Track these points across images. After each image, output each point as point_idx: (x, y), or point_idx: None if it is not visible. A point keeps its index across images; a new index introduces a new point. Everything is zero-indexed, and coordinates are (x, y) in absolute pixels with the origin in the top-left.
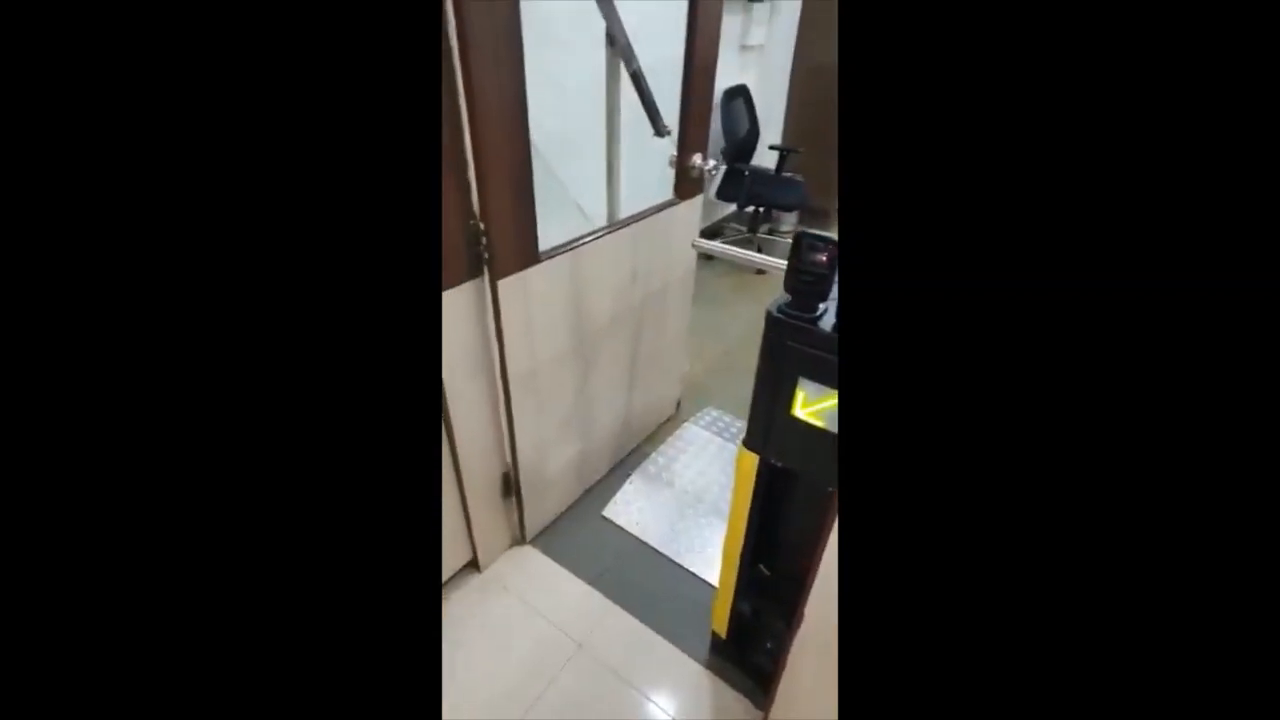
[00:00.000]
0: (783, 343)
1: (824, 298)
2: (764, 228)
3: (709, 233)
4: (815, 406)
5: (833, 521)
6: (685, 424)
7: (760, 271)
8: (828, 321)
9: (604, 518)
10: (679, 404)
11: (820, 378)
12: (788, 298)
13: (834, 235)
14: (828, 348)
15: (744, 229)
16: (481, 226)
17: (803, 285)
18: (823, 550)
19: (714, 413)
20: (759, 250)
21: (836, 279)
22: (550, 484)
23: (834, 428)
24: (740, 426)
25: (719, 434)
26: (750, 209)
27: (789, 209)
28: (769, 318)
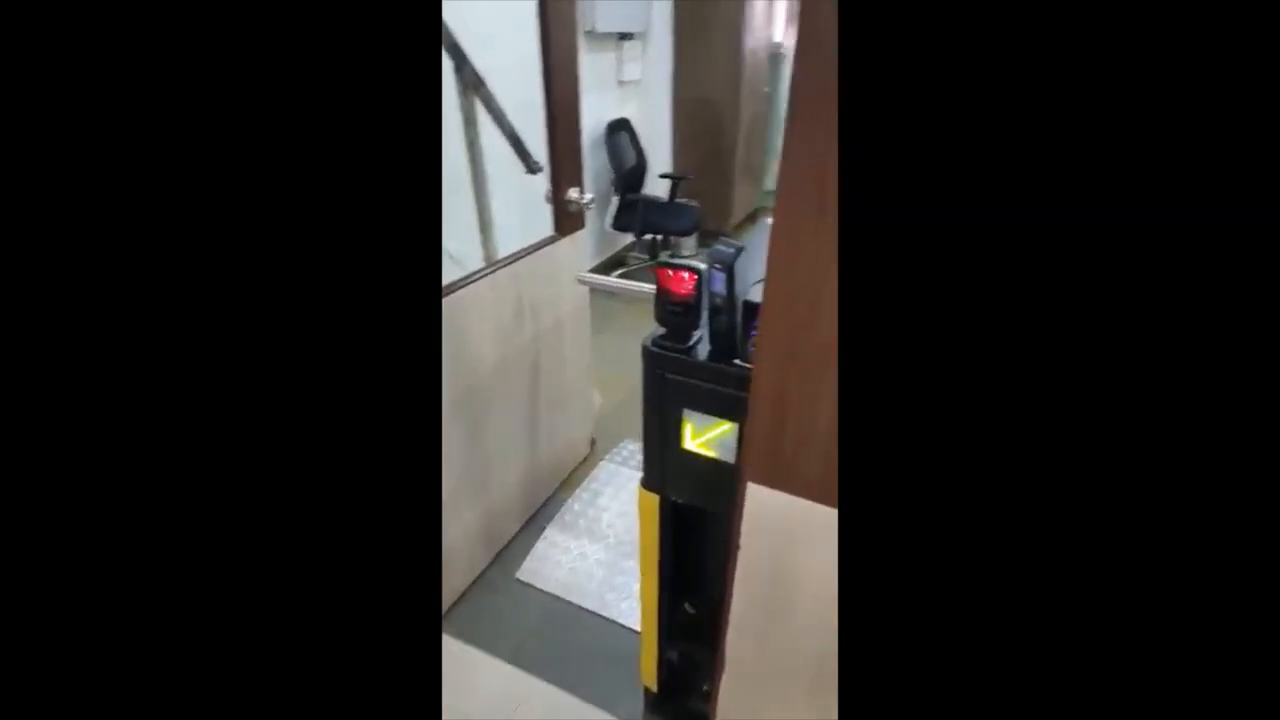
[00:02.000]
0: (661, 376)
1: (696, 325)
2: (665, 254)
3: (612, 263)
4: (705, 436)
5: (736, 555)
6: (601, 462)
7: None
8: (703, 350)
9: (519, 581)
10: (593, 442)
11: (704, 407)
12: (661, 330)
13: (695, 262)
14: (707, 377)
15: (646, 257)
16: None
17: (672, 316)
18: (731, 586)
19: (630, 446)
20: None
21: (706, 305)
22: (451, 553)
23: (728, 456)
24: None
25: (637, 468)
26: (648, 236)
27: (685, 233)
28: (644, 351)
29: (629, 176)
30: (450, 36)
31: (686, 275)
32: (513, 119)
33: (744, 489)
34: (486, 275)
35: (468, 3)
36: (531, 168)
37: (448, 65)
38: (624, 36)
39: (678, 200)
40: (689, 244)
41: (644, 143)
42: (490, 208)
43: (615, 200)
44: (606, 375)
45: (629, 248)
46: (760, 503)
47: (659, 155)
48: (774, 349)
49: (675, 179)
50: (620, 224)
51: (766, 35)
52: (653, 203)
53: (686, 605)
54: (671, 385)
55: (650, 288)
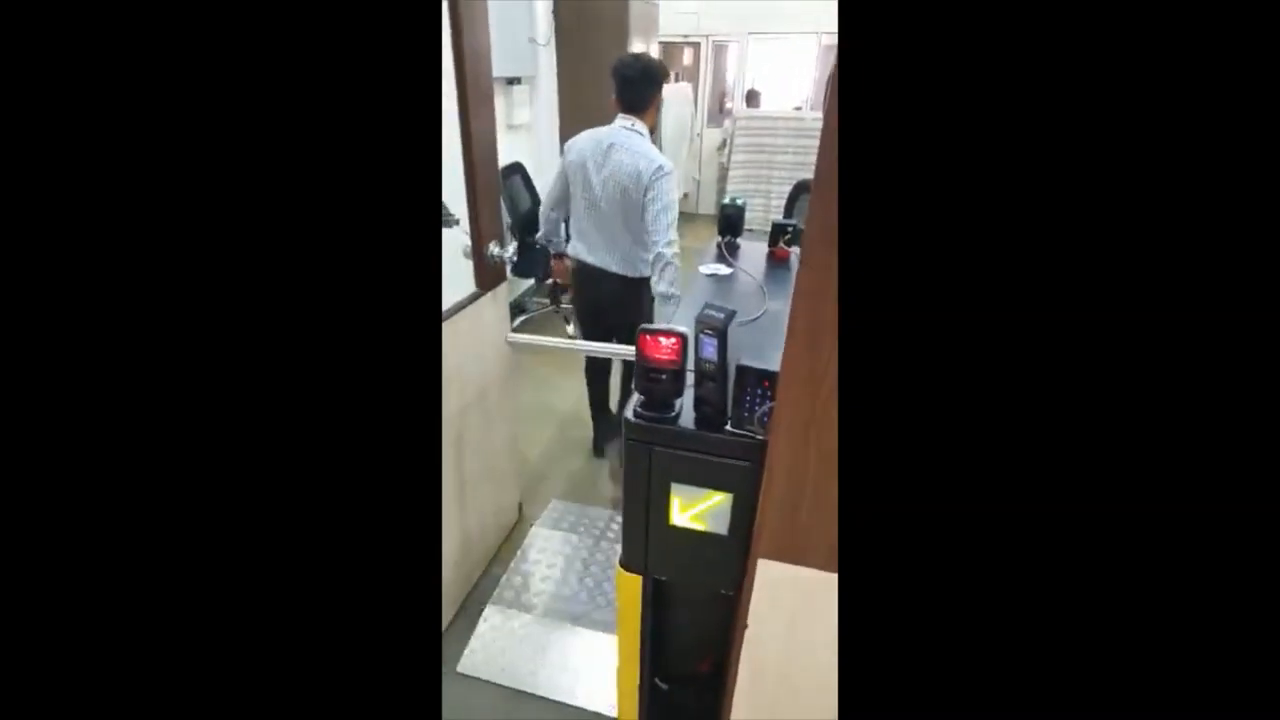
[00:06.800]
0: (646, 448)
1: (679, 393)
2: (565, 297)
3: (513, 309)
4: (695, 509)
5: (742, 632)
6: (532, 529)
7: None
8: (687, 418)
9: (461, 675)
10: (520, 507)
11: (695, 479)
12: (640, 398)
13: (679, 327)
14: (698, 447)
15: (547, 302)
16: None
17: (654, 384)
18: (736, 664)
19: (559, 506)
20: (566, 321)
21: (691, 370)
22: None
23: (720, 528)
24: (583, 512)
25: (569, 529)
26: (550, 281)
27: None
28: (627, 423)
29: (525, 220)
30: None
31: (669, 340)
32: None
33: (754, 566)
34: None
35: None
36: (448, 221)
37: None
38: (512, 81)
39: None
40: None
41: (538, 185)
42: None
43: (514, 245)
44: (523, 429)
45: (529, 293)
46: (773, 578)
47: None
48: (792, 422)
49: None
50: (520, 269)
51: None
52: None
53: (658, 680)
54: (659, 458)
55: (580, 344)
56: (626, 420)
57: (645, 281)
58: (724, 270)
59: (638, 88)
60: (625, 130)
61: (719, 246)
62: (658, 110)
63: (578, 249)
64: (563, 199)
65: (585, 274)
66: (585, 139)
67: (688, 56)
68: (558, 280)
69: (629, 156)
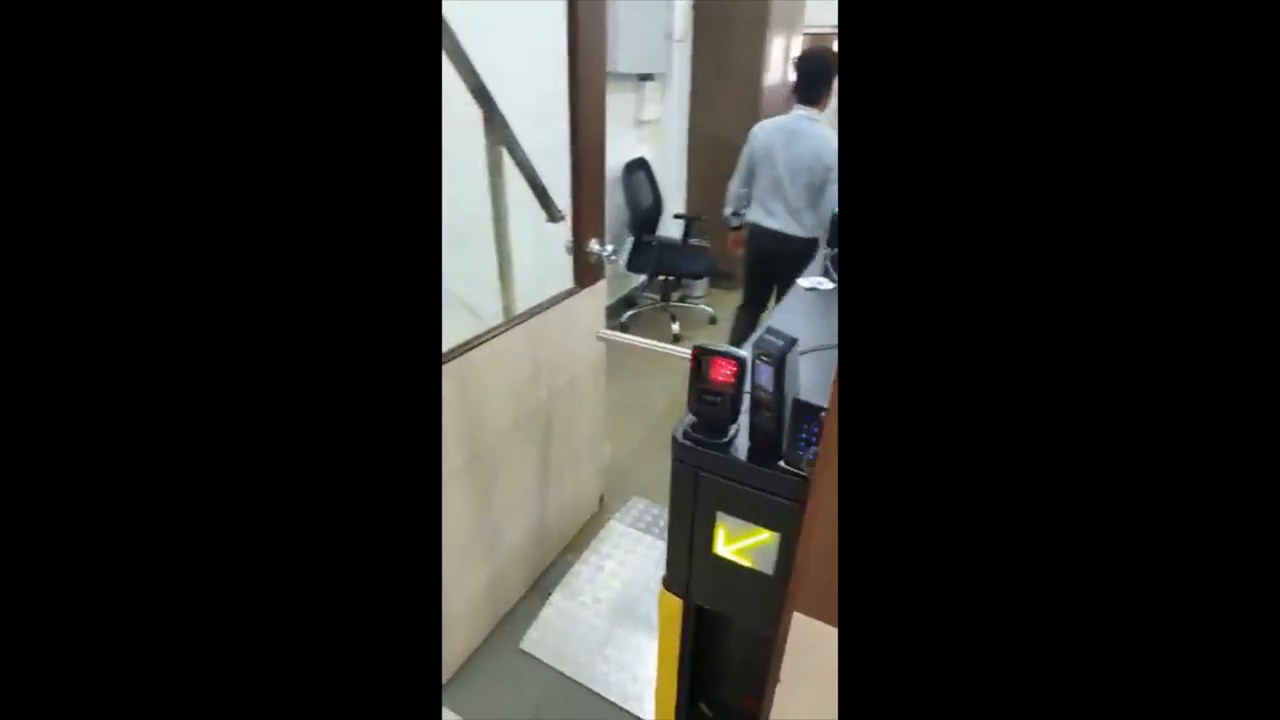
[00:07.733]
0: (694, 473)
1: (733, 419)
2: (676, 295)
3: (623, 303)
4: (741, 544)
5: (774, 686)
6: (610, 522)
7: (677, 338)
8: (740, 446)
9: (522, 652)
10: (601, 499)
11: (741, 512)
12: (692, 419)
13: (738, 350)
14: (747, 479)
15: (657, 298)
16: None
17: (707, 406)
18: (769, 704)
19: (640, 504)
20: (673, 319)
21: (747, 394)
22: (455, 620)
23: (766, 568)
24: (662, 513)
25: (647, 529)
26: (661, 278)
27: (698, 276)
28: (675, 443)
29: (644, 216)
30: (480, 84)
31: (726, 363)
32: (531, 163)
33: (789, 618)
34: (504, 332)
35: (488, 40)
36: (554, 216)
37: (477, 114)
38: (644, 77)
39: (692, 242)
40: (702, 285)
41: (660, 182)
42: (511, 259)
43: (630, 241)
44: (615, 423)
45: (640, 288)
46: (808, 637)
47: (673, 195)
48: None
49: (689, 220)
50: (634, 265)
51: (784, 72)
52: (668, 245)
53: (702, 706)
54: (705, 484)
55: (671, 348)
56: (674, 439)
57: (810, 241)
58: (826, 285)
59: (814, 82)
60: (805, 119)
61: (825, 259)
62: (828, 101)
63: (758, 214)
64: (749, 179)
65: (763, 235)
66: (770, 127)
67: (837, 46)
68: (735, 251)
69: (812, 142)
